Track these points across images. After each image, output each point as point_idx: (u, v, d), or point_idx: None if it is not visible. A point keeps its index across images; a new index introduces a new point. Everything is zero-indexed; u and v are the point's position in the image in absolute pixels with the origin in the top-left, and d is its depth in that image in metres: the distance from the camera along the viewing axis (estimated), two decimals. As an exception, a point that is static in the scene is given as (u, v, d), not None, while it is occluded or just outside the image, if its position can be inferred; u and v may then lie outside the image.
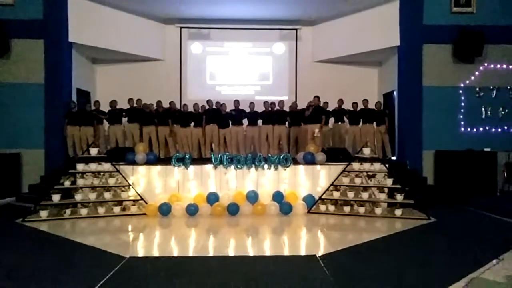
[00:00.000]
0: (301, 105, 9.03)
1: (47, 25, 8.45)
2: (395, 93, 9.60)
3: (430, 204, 6.79)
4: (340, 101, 8.84)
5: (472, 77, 8.76)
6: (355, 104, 8.69)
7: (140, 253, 4.44)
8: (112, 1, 9.42)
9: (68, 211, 6.17)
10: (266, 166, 6.82)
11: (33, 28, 8.41)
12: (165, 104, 8.91)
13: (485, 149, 8.34)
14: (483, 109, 8.72)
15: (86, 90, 9.99)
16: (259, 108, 8.90)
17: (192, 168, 6.83)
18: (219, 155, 6.81)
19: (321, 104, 8.55)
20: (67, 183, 6.36)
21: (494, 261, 3.88)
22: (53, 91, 8.51)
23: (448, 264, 3.94)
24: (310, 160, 7.05)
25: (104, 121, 8.79)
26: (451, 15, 8.75)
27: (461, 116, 8.74)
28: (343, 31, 10.25)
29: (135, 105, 8.77)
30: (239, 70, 11.03)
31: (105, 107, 8.79)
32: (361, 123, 8.67)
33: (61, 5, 8.60)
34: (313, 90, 9.52)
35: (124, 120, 8.84)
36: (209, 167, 6.84)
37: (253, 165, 6.80)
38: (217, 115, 8.69)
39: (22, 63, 8.49)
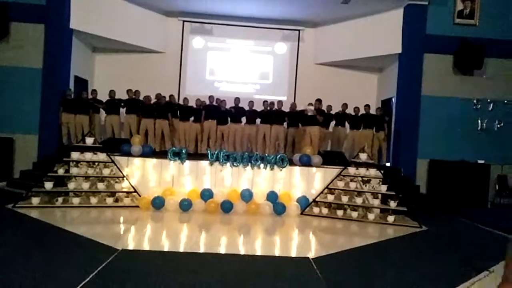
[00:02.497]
0: (300, 106, 9.04)
1: (49, 10, 8.34)
2: (393, 99, 9.64)
3: (421, 212, 6.83)
4: (344, 106, 8.89)
5: (471, 89, 8.83)
6: (356, 108, 8.75)
7: (132, 246, 4.41)
8: (116, -10, 9.36)
9: (60, 199, 6.11)
10: (262, 165, 6.81)
11: (34, 12, 8.31)
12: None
13: (479, 161, 8.41)
14: (479, 121, 8.80)
15: (84, 78, 9.90)
16: (258, 107, 8.92)
17: (187, 163, 6.80)
18: (216, 152, 6.79)
19: (322, 107, 8.62)
20: (60, 171, 6.29)
21: (484, 273, 3.91)
22: (50, 77, 8.41)
23: (438, 274, 3.97)
24: (306, 162, 7.06)
25: (101, 110, 8.71)
26: (454, 26, 8.82)
27: (457, 127, 8.80)
28: (346, 35, 10.26)
29: (133, 96, 8.71)
30: (239, 67, 10.99)
31: (102, 97, 8.72)
32: (361, 128, 8.71)
33: (64, -10, 8.51)
34: (312, 92, 9.59)
35: (122, 110, 8.77)
36: (205, 163, 6.81)
37: (249, 164, 6.79)
38: (216, 111, 8.69)
39: (21, 47, 8.37)
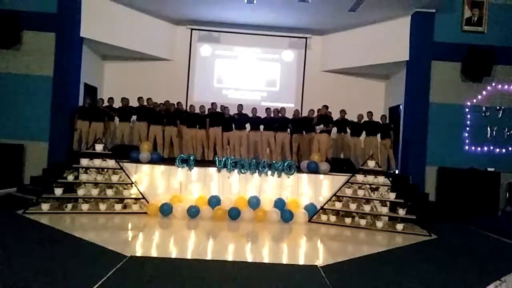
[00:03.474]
0: (307, 113, 9.05)
1: (60, 19, 8.50)
2: (401, 107, 9.61)
3: (431, 220, 6.77)
4: (343, 112, 8.85)
5: (479, 96, 8.79)
6: (360, 115, 8.73)
7: (141, 253, 4.42)
8: (125, -1, 9.50)
9: (69, 205, 6.17)
10: (269, 172, 6.82)
11: (46, 21, 8.47)
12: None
13: (489, 169, 8.33)
14: (488, 129, 8.73)
15: (93, 86, 10.02)
16: (262, 114, 8.94)
17: (195, 170, 6.83)
18: (223, 159, 6.82)
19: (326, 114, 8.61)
20: (70, 178, 6.36)
21: (496, 283, 3.85)
22: (61, 85, 8.53)
23: (449, 283, 3.92)
24: (313, 169, 7.05)
25: (115, 118, 8.82)
26: (462, 34, 8.80)
27: (466, 134, 8.76)
28: (353, 43, 10.28)
29: (144, 103, 8.80)
30: (246, 75, 11.05)
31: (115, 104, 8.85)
32: (363, 135, 8.68)
33: (75, 0, 8.65)
34: (319, 99, 9.58)
35: (132, 118, 8.87)
36: (212, 170, 6.84)
37: (257, 171, 6.80)
38: (220, 118, 8.74)
39: (32, 55, 8.53)
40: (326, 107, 8.55)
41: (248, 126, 8.90)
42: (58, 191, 6.21)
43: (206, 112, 8.90)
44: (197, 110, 8.88)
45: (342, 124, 8.87)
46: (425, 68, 8.78)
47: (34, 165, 8.30)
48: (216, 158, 6.88)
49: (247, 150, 8.81)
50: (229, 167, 6.75)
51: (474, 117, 8.76)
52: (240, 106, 8.97)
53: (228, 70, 11.06)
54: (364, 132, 8.77)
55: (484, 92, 8.79)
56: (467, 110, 8.78)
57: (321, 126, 8.40)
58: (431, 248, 5.41)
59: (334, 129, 8.96)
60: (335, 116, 8.92)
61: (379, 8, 8.89)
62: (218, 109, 8.93)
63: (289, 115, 9.03)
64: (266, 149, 8.83)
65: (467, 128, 8.76)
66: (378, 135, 8.72)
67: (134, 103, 8.87)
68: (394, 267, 4.42)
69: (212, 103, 9.03)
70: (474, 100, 8.79)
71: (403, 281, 3.88)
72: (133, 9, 9.81)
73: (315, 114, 8.58)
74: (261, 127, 8.89)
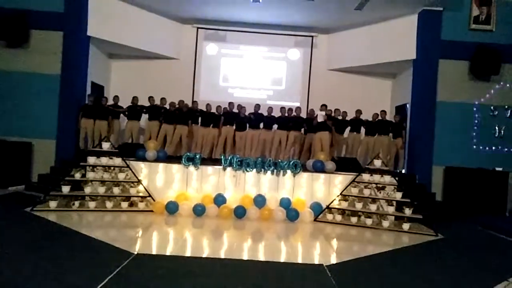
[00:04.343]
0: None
1: (67, 18, 8.54)
2: (408, 106, 9.55)
3: (437, 220, 6.72)
4: (358, 112, 8.85)
5: (487, 95, 8.70)
6: (375, 114, 8.72)
7: (147, 250, 4.45)
8: (131, -2, 9.54)
9: (76, 203, 6.22)
10: (275, 171, 6.81)
11: (53, 20, 8.52)
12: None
13: (497, 169, 8.24)
14: (496, 128, 8.65)
15: (100, 84, 10.08)
16: (276, 113, 8.95)
17: (201, 168, 6.85)
18: (229, 157, 6.83)
19: (331, 113, 8.65)
20: (77, 175, 6.41)
21: (504, 283, 3.83)
22: (68, 83, 8.58)
23: (456, 283, 3.90)
24: (319, 168, 7.04)
25: (121, 116, 8.86)
26: (469, 32, 8.72)
27: (474, 134, 8.68)
28: (360, 41, 10.23)
29: (155, 103, 8.85)
30: (252, 73, 11.05)
31: (121, 102, 8.88)
32: (377, 134, 8.67)
33: (82, -1, 8.72)
34: (325, 97, 9.55)
35: (142, 117, 8.92)
36: (218, 168, 6.85)
37: (262, 170, 6.80)
38: (235, 117, 8.77)
39: (40, 53, 8.58)
40: (325, 106, 8.54)
41: (261, 125, 8.93)
42: (66, 189, 6.27)
43: (221, 111, 8.94)
44: (213, 110, 8.91)
45: (356, 124, 8.85)
46: (432, 67, 8.71)
47: (42, 163, 8.37)
48: (222, 157, 6.89)
49: (256, 149, 8.82)
50: (234, 166, 6.76)
51: (482, 116, 8.67)
52: (257, 106, 8.98)
53: (234, 68, 11.06)
54: (377, 132, 8.74)
55: (492, 91, 8.70)
56: (474, 109, 8.69)
57: (323, 114, 8.37)
58: (438, 248, 5.38)
59: (348, 129, 8.98)
60: (350, 115, 8.97)
61: (386, 6, 8.83)
62: (235, 109, 8.95)
63: (303, 115, 9.05)
64: (277, 148, 8.83)
65: (475, 127, 8.68)
66: (390, 135, 8.69)
67: (141, 101, 8.90)
68: (400, 267, 4.41)
69: (230, 103, 9.05)
70: (482, 99, 8.70)
71: (409, 281, 3.86)
72: (140, 8, 9.84)
73: (323, 113, 8.55)
74: (275, 126, 8.89)
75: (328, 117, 8.43)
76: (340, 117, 8.88)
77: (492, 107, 8.65)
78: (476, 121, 8.67)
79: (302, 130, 8.87)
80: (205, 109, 9.00)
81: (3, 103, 8.48)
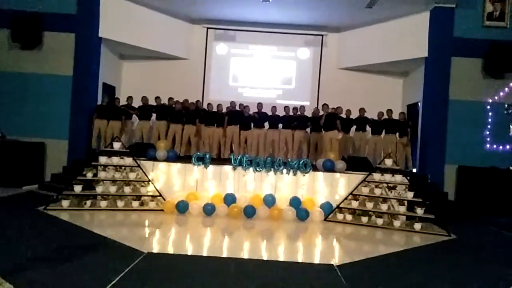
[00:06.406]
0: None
1: (79, 20, 8.68)
2: (419, 104, 9.43)
3: (450, 220, 6.62)
4: (362, 110, 8.78)
5: (501, 93, 8.54)
6: (380, 113, 8.63)
7: (158, 249, 4.49)
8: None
9: (88, 202, 6.29)
10: (285, 170, 6.80)
11: (66, 22, 8.65)
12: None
13: (511, 168, 8.09)
14: (510, 127, 8.47)
15: (111, 85, 10.20)
16: (280, 112, 8.93)
17: (211, 167, 6.87)
18: (239, 157, 6.84)
19: (334, 111, 8.64)
20: (89, 175, 6.49)
21: (518, 284, 3.75)
22: (80, 84, 8.72)
23: (468, 284, 3.83)
24: (329, 168, 7.00)
25: (133, 116, 8.95)
26: (483, 29, 8.59)
27: (487, 132, 8.54)
28: (370, 40, 10.14)
29: (163, 102, 8.92)
30: (262, 73, 11.05)
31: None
32: (383, 133, 8.58)
33: (93, 1, 8.82)
34: (335, 97, 9.51)
35: (151, 116, 9.00)
36: (228, 167, 6.87)
37: (272, 169, 6.79)
38: (239, 116, 8.76)
39: (53, 55, 8.73)
40: (327, 105, 8.50)
41: (266, 124, 8.91)
42: (78, 188, 6.35)
43: (224, 111, 8.94)
44: (214, 109, 8.93)
45: (362, 122, 8.79)
46: (444, 65, 8.60)
47: (55, 163, 8.51)
48: (232, 156, 6.91)
49: (264, 149, 8.82)
50: (244, 165, 6.76)
51: (496, 114, 8.52)
52: (259, 105, 8.98)
53: (243, 68, 11.08)
54: (383, 130, 8.67)
55: (506, 89, 8.55)
56: (488, 107, 8.56)
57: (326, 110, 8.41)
58: (450, 248, 5.30)
59: (353, 128, 8.92)
60: (354, 114, 8.88)
61: (397, 4, 8.75)
62: (237, 108, 8.96)
63: (308, 113, 9.00)
64: (284, 147, 8.82)
65: (488, 126, 8.54)
66: (397, 133, 8.60)
67: (152, 102, 8.98)
68: (412, 267, 4.35)
69: (231, 102, 9.07)
70: (496, 97, 8.56)
71: (421, 282, 3.81)
72: (150, 9, 9.93)
73: (321, 113, 8.53)
74: (280, 125, 8.88)
75: (329, 115, 8.38)
76: (342, 115, 8.82)
77: (506, 105, 8.48)
78: (489, 120, 8.53)
79: (308, 129, 8.82)
80: (207, 109, 9.04)
81: (17, 104, 8.64)
